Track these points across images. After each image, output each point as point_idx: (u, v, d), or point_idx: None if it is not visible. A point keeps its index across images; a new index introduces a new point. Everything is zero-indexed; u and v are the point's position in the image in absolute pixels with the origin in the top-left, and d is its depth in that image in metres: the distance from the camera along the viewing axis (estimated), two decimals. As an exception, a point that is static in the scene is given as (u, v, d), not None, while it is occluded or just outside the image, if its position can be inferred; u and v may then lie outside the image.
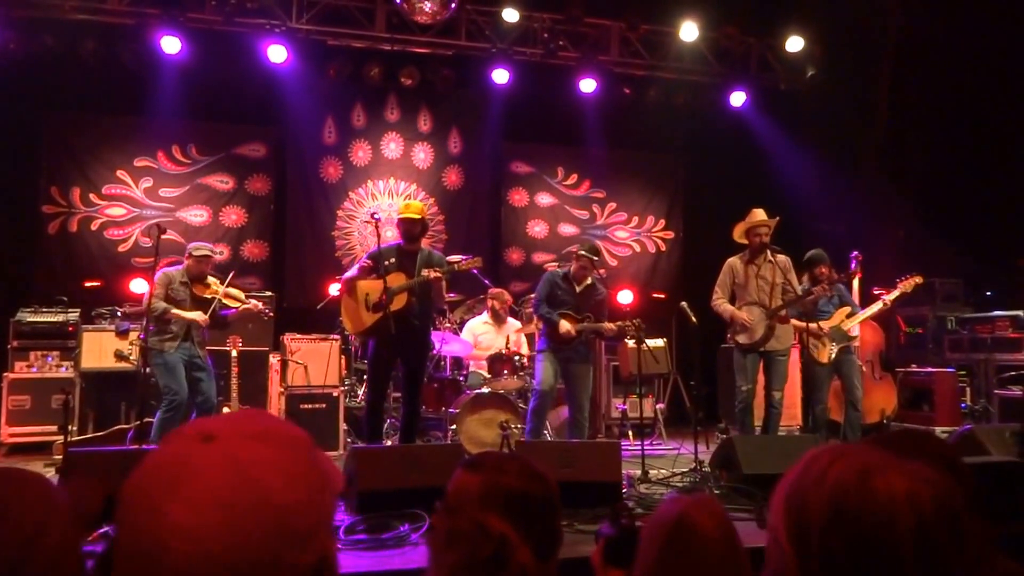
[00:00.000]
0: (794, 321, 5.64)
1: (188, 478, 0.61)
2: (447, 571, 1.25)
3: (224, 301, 5.01)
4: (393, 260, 4.73)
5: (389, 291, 4.54)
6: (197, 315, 4.88)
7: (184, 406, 4.79)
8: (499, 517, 1.26)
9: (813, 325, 5.62)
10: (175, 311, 4.81)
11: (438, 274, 4.61)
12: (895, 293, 5.68)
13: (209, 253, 5.12)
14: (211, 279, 5.04)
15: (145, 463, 0.64)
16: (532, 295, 5.64)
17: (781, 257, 5.32)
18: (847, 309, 5.76)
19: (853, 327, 5.73)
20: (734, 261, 5.41)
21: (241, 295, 5.19)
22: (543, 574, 1.26)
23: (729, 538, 1.35)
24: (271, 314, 5.24)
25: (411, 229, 4.77)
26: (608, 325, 5.15)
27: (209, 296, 4.96)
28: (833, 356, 5.67)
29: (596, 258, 5.17)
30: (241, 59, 6.92)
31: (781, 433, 6.14)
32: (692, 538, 1.32)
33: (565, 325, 5.02)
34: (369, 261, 4.75)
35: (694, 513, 1.35)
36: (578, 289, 5.16)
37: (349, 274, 4.84)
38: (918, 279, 5.65)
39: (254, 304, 5.22)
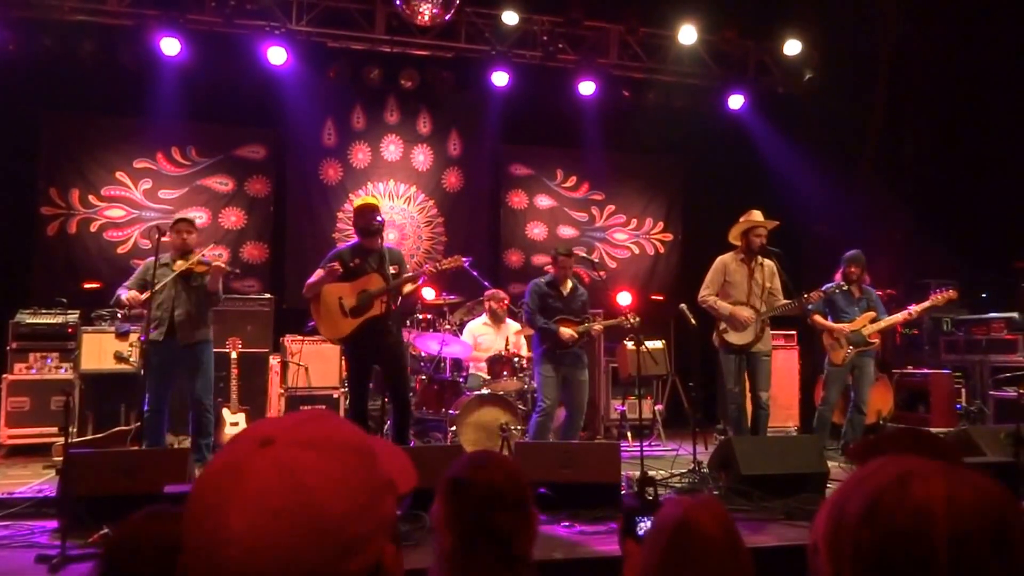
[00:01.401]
0: (818, 319, 5.69)
1: (243, 484, 0.62)
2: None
3: (195, 270, 4.76)
4: (358, 261, 4.59)
5: (368, 293, 4.49)
6: (129, 294, 4.61)
7: (160, 412, 4.67)
8: (440, 502, 1.42)
9: (839, 326, 5.67)
10: (121, 295, 4.62)
11: (431, 269, 4.59)
12: (925, 304, 5.69)
13: (181, 218, 4.90)
14: (197, 254, 4.81)
15: (211, 465, 0.66)
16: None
17: (768, 262, 5.34)
18: (872, 314, 5.76)
19: (872, 332, 5.75)
20: (726, 259, 5.40)
21: (207, 260, 4.86)
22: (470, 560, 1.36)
23: (732, 538, 1.37)
24: (237, 272, 5.09)
25: (372, 218, 4.57)
26: (606, 322, 5.29)
27: (185, 267, 4.75)
28: (849, 359, 5.69)
29: (576, 256, 5.24)
30: (241, 61, 6.93)
31: (779, 434, 6.18)
32: (695, 539, 1.34)
33: (566, 331, 5.08)
34: (334, 264, 4.58)
35: (697, 514, 1.37)
36: (565, 293, 5.21)
37: (314, 280, 4.62)
38: (952, 294, 5.64)
39: (214, 264, 4.82)
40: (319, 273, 4.66)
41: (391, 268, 4.55)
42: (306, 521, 0.61)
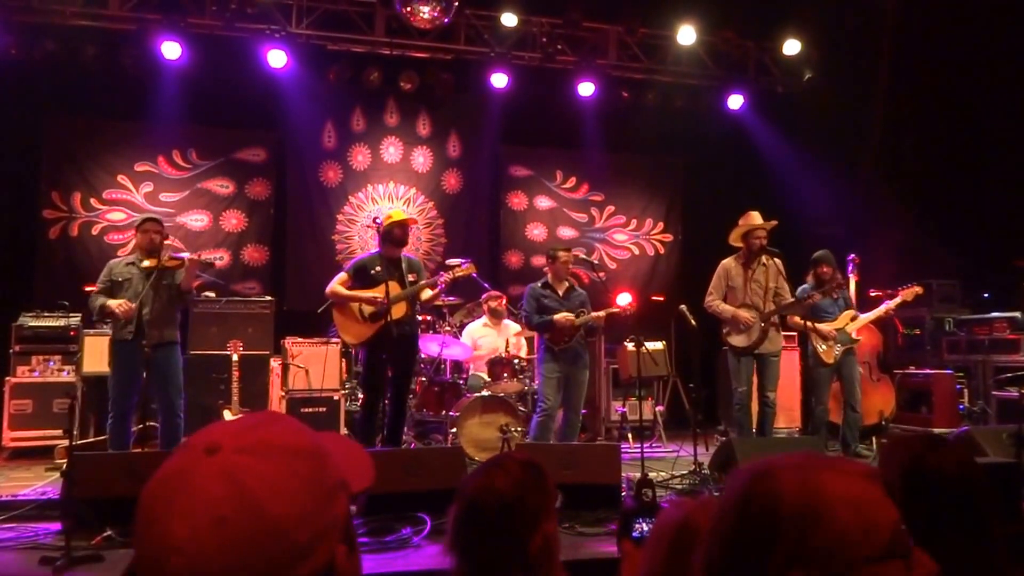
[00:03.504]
0: (799, 320, 5.70)
1: (186, 492, 0.62)
2: None
3: (167, 266, 4.58)
4: (379, 269, 4.78)
5: (390, 299, 4.61)
6: (117, 303, 4.45)
7: (125, 418, 4.51)
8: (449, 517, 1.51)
9: (824, 327, 5.69)
10: (108, 304, 4.46)
11: (450, 277, 4.76)
12: (896, 300, 5.82)
13: (151, 218, 4.80)
14: (167, 252, 4.67)
15: (157, 473, 0.65)
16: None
17: (776, 260, 5.35)
18: (852, 312, 5.82)
19: (856, 330, 5.82)
20: (728, 263, 5.43)
21: (181, 255, 4.77)
22: None
23: (732, 540, 1.37)
24: (214, 261, 5.09)
25: (406, 232, 4.90)
26: (603, 313, 5.30)
27: (155, 265, 4.55)
28: (838, 358, 5.73)
29: (574, 256, 5.30)
30: (241, 64, 6.95)
31: (782, 435, 6.18)
32: (696, 541, 1.34)
33: (564, 315, 5.09)
34: (348, 274, 4.85)
35: (698, 516, 1.37)
36: (561, 293, 5.25)
37: (335, 288, 4.82)
38: (918, 289, 5.79)
39: (189, 257, 4.70)
40: (342, 278, 4.86)
41: (409, 276, 4.81)
42: (251, 528, 0.61)
